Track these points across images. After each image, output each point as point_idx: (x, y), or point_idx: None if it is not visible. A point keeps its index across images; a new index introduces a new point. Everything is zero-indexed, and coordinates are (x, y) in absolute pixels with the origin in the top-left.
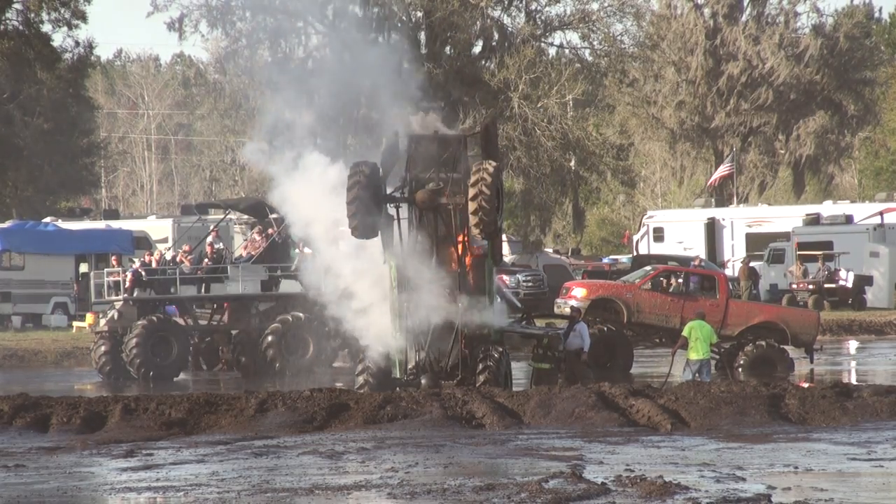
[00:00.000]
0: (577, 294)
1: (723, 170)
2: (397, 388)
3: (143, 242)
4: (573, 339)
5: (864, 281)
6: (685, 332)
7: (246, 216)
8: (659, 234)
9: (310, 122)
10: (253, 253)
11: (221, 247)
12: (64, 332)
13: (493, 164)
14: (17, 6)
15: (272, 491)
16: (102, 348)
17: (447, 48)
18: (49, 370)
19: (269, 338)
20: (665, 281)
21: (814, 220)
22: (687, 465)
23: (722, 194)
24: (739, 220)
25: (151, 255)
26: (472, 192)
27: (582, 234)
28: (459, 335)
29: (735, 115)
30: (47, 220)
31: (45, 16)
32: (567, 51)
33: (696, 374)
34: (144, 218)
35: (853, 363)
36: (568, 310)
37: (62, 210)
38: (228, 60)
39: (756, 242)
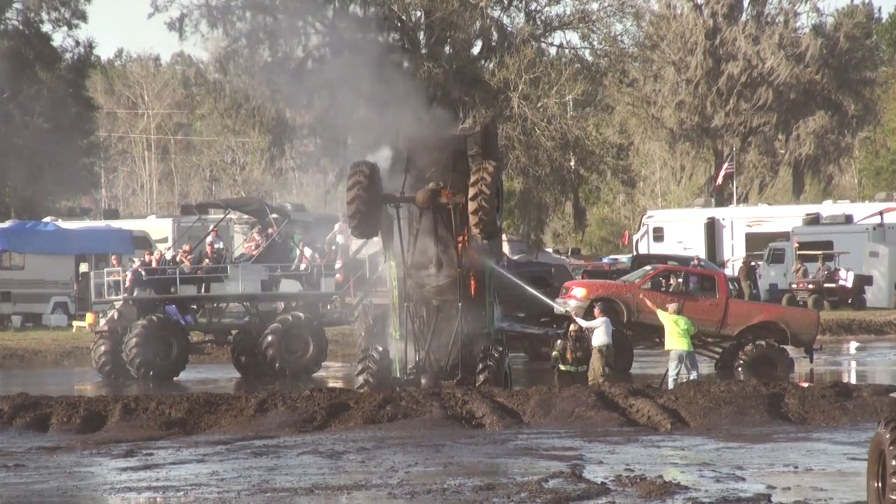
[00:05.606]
0: (577, 294)
1: (726, 168)
2: (397, 388)
3: (143, 242)
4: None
5: (863, 281)
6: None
7: (246, 216)
8: (659, 234)
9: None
10: (253, 253)
11: (221, 247)
12: (64, 332)
13: (493, 163)
14: (17, 6)
15: (272, 491)
16: (102, 348)
17: (447, 48)
18: (49, 370)
19: (269, 338)
20: (665, 281)
21: (814, 219)
22: (687, 464)
23: (722, 194)
24: (739, 220)
25: (151, 254)
26: (471, 191)
27: (583, 234)
28: (459, 335)
29: (735, 115)
30: (47, 219)
31: (45, 16)
32: (567, 51)
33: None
34: (144, 218)
35: (853, 363)
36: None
37: (62, 210)
38: (228, 60)
39: (756, 242)
